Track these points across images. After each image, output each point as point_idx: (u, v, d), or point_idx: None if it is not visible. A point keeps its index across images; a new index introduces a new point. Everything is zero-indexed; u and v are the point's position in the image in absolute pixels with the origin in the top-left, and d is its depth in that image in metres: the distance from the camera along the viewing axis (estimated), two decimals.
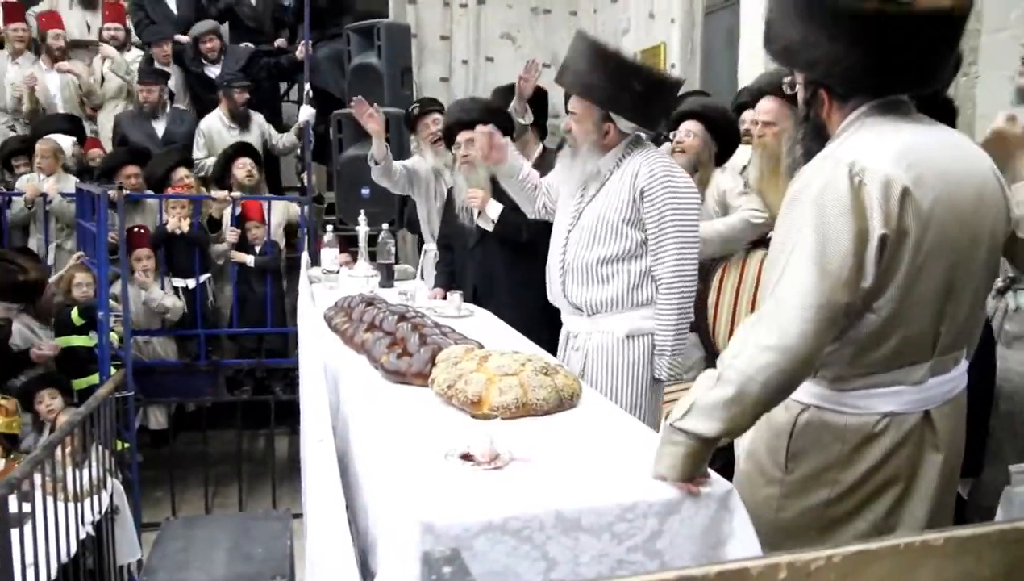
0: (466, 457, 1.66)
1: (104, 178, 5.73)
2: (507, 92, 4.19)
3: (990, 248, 1.67)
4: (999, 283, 2.47)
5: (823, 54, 1.60)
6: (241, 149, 5.92)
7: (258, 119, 6.36)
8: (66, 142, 5.84)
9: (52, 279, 5.27)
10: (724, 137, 3.59)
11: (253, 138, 6.24)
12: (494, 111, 3.69)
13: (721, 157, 3.65)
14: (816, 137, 1.73)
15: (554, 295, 2.89)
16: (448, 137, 3.82)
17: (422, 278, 4.39)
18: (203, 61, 6.61)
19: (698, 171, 3.42)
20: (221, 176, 5.91)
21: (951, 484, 1.77)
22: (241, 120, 6.19)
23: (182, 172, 5.80)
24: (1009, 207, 1.71)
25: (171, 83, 6.51)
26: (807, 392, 1.68)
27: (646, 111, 2.67)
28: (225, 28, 6.96)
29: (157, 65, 6.43)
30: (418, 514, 1.42)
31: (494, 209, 3.58)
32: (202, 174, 6.09)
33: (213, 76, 6.52)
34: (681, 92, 3.17)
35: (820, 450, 1.70)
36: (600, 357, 2.75)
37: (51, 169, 5.67)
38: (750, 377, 1.49)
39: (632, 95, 2.62)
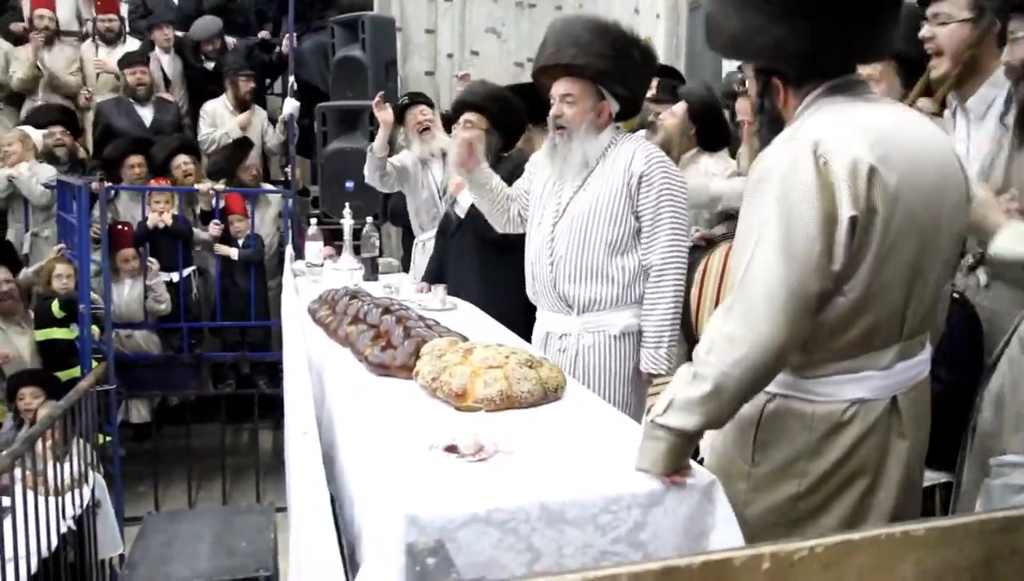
0: (450, 449, 1.65)
1: (106, 169, 5.69)
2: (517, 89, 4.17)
3: (951, 229, 1.66)
4: (968, 260, 2.47)
5: (767, 39, 1.59)
6: (241, 145, 6.00)
7: (261, 114, 6.45)
8: (36, 134, 5.75)
9: (31, 270, 5.23)
10: (704, 120, 3.61)
11: (254, 128, 6.32)
12: (501, 99, 3.65)
13: (710, 143, 3.68)
14: (773, 128, 1.69)
15: (539, 291, 2.82)
16: (456, 114, 3.80)
17: (408, 272, 4.37)
18: (203, 57, 6.67)
19: (670, 152, 3.44)
20: (229, 172, 5.98)
21: (917, 472, 1.76)
22: (244, 108, 6.31)
23: (182, 158, 5.83)
24: (968, 187, 1.71)
25: (169, 70, 6.55)
26: (774, 381, 1.63)
27: (639, 86, 2.71)
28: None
29: (157, 50, 6.47)
30: (402, 506, 1.41)
31: (466, 197, 3.50)
32: (212, 148, 6.16)
33: (210, 68, 6.60)
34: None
35: (787, 440, 1.66)
36: (592, 357, 2.71)
37: (19, 157, 5.58)
38: (725, 372, 1.48)
39: (632, 64, 2.64)
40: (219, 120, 6.30)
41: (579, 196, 2.71)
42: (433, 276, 3.67)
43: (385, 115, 4.17)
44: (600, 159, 2.70)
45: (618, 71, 2.64)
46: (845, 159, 1.48)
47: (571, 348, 2.74)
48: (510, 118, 3.66)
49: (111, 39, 6.45)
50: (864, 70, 2.60)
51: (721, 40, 1.70)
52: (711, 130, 3.69)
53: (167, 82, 6.58)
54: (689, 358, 1.59)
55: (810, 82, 1.65)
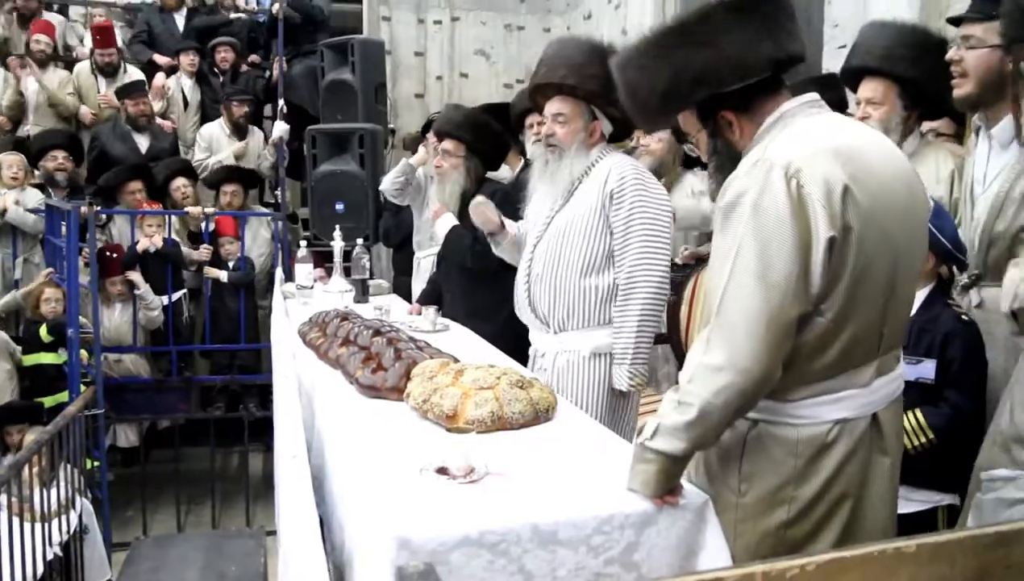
0: (441, 471, 1.65)
1: (104, 195, 5.69)
2: (492, 109, 4.21)
3: (920, 244, 1.68)
4: (964, 279, 2.48)
5: (702, 66, 1.59)
6: (231, 174, 6.04)
7: (258, 137, 6.48)
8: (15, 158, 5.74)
9: (20, 293, 5.21)
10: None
11: (250, 152, 6.38)
12: (478, 125, 3.67)
13: (692, 160, 3.70)
14: (732, 164, 1.64)
15: (520, 307, 2.84)
16: (437, 137, 3.83)
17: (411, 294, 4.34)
18: (216, 71, 6.75)
19: (663, 176, 3.46)
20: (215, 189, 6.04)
21: (895, 487, 1.75)
22: (240, 132, 6.35)
23: (180, 181, 5.87)
24: (928, 202, 1.73)
25: (190, 95, 6.67)
26: (755, 406, 1.61)
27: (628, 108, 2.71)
28: None
29: (182, 75, 6.60)
30: (393, 529, 1.40)
31: (443, 225, 3.52)
32: (204, 175, 6.18)
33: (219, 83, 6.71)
34: None
35: (773, 467, 1.62)
36: (567, 377, 2.71)
37: (21, 183, 5.59)
38: (708, 400, 1.47)
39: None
40: (215, 144, 6.32)
41: (560, 213, 2.73)
42: (429, 298, 3.67)
43: (421, 158, 4.23)
44: (583, 176, 2.71)
45: (610, 93, 2.65)
46: (819, 180, 1.47)
47: (550, 369, 2.75)
48: (488, 142, 3.67)
49: (110, 72, 6.47)
50: (864, 92, 2.64)
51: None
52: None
53: (186, 104, 6.67)
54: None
55: (758, 103, 1.64)
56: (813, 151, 1.51)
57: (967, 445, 2.32)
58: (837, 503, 1.63)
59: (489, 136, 3.67)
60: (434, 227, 3.59)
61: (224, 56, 6.72)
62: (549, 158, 2.75)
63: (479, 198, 2.99)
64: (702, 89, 1.62)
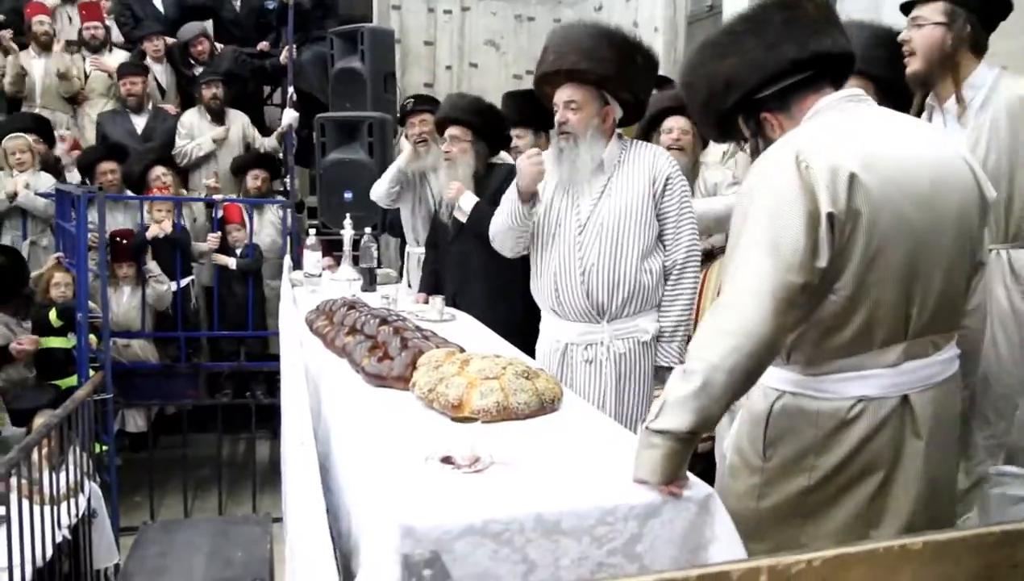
0: (447, 460, 1.65)
1: (82, 174, 5.69)
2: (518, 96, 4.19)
3: (958, 232, 1.68)
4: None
5: (739, 69, 1.72)
6: (256, 160, 6.05)
7: (241, 119, 6.39)
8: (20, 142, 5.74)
9: (31, 276, 5.23)
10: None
11: (233, 136, 6.29)
12: (483, 110, 3.67)
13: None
14: None
15: (565, 302, 2.75)
16: (440, 130, 3.82)
17: (408, 284, 4.36)
18: (192, 62, 6.67)
19: (695, 167, 3.45)
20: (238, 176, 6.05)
21: (939, 472, 1.74)
22: (216, 115, 6.24)
23: (159, 170, 5.79)
24: (982, 190, 1.73)
25: (163, 80, 6.56)
26: (782, 379, 1.72)
27: (643, 91, 2.75)
28: (209, 28, 6.98)
29: (148, 60, 6.47)
30: (398, 517, 1.41)
31: (467, 201, 3.50)
32: (185, 162, 6.15)
33: (197, 73, 6.58)
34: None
35: (796, 436, 1.71)
36: (625, 364, 2.72)
37: (28, 166, 5.61)
38: (715, 366, 1.50)
39: (636, 69, 2.66)
40: (196, 131, 6.23)
41: (603, 203, 2.71)
42: (430, 288, 3.67)
43: (408, 156, 4.20)
44: (617, 165, 2.72)
45: (621, 76, 2.66)
46: (824, 162, 1.56)
47: (599, 357, 2.72)
48: (493, 127, 3.69)
49: (96, 47, 6.46)
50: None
51: (702, 114, 1.87)
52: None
53: (162, 92, 6.60)
54: None
55: (796, 102, 1.73)
56: (827, 138, 1.61)
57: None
58: (860, 476, 1.68)
59: (492, 120, 3.68)
60: (459, 202, 3.56)
61: (201, 48, 6.63)
62: (564, 146, 2.72)
63: (533, 150, 2.85)
64: (733, 93, 1.75)
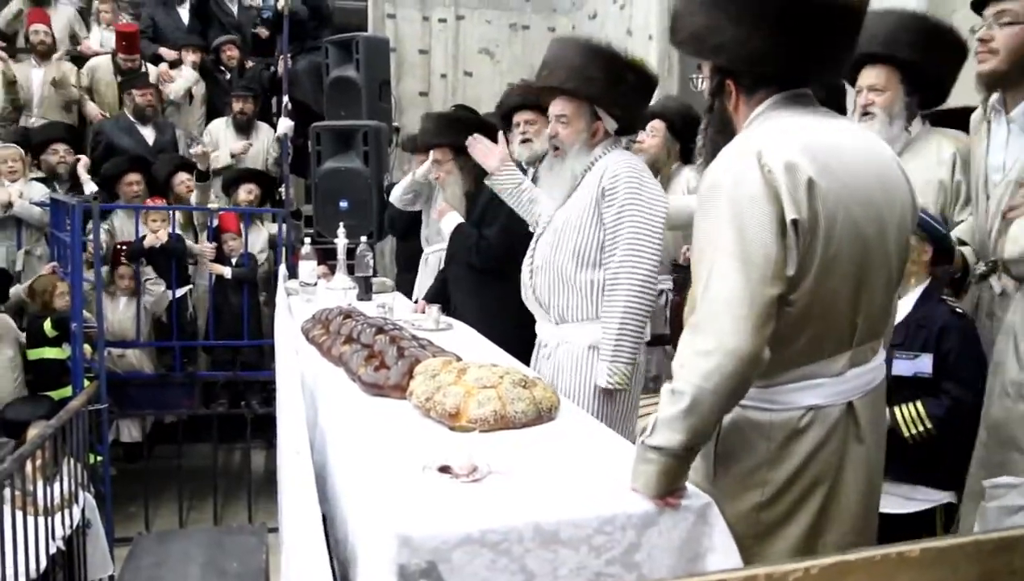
0: (444, 469, 1.65)
1: (105, 187, 5.70)
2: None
3: (898, 238, 1.69)
4: (981, 267, 2.46)
5: (728, 39, 1.63)
6: (246, 176, 6.08)
7: (267, 133, 6.52)
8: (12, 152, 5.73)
9: (21, 287, 5.21)
10: (687, 136, 3.65)
11: (257, 147, 6.42)
12: (459, 127, 3.66)
13: (687, 154, 3.72)
14: (721, 129, 1.75)
15: (525, 296, 2.89)
16: (425, 152, 3.85)
17: (413, 296, 4.32)
18: (222, 68, 6.80)
19: (659, 171, 3.47)
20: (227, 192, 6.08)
21: (876, 475, 1.78)
22: (244, 128, 6.41)
23: (183, 176, 5.86)
24: (914, 197, 1.74)
25: (192, 86, 6.67)
26: None
27: (636, 107, 2.75)
28: None
29: (185, 68, 6.59)
30: (395, 527, 1.41)
31: (448, 224, 3.55)
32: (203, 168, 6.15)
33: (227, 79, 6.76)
34: None
35: (747, 450, 1.68)
36: (566, 368, 2.74)
37: (20, 175, 5.59)
38: (699, 386, 1.49)
39: (626, 88, 2.67)
40: (220, 141, 6.35)
41: (562, 209, 2.77)
42: (436, 295, 3.69)
43: (425, 170, 4.07)
44: (585, 173, 2.74)
45: (610, 94, 2.68)
46: (783, 167, 1.52)
47: (552, 358, 2.79)
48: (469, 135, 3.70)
49: (129, 71, 6.49)
50: (866, 80, 2.64)
51: (683, 35, 1.74)
52: (694, 142, 3.72)
53: (190, 98, 6.70)
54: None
55: (761, 90, 1.69)
56: (783, 144, 1.56)
57: (965, 440, 2.33)
58: (811, 487, 1.66)
59: (467, 130, 3.67)
60: (441, 225, 3.60)
61: (230, 54, 6.76)
62: (554, 157, 2.79)
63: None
64: (720, 55, 1.69)
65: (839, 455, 1.67)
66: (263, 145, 6.49)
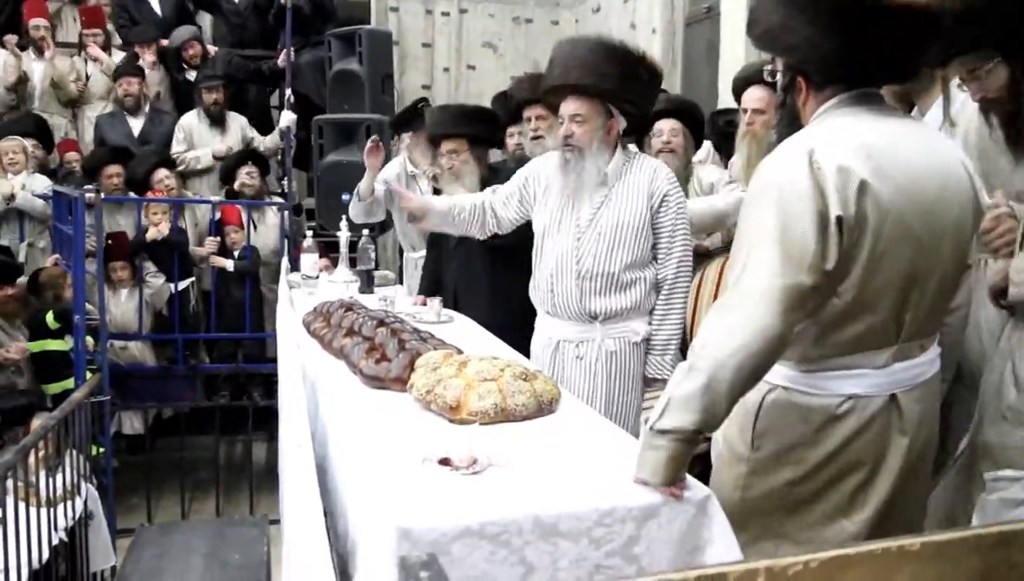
0: (444, 462, 1.65)
1: (86, 177, 5.68)
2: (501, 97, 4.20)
3: (955, 240, 1.70)
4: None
5: (802, 39, 1.65)
6: (246, 156, 5.99)
7: (239, 121, 6.39)
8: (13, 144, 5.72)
9: (22, 280, 5.21)
10: (698, 132, 3.67)
11: (232, 138, 6.28)
12: (474, 117, 3.69)
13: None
14: (791, 124, 1.77)
15: (559, 304, 2.80)
16: (434, 144, 3.82)
17: (408, 290, 4.32)
18: (184, 66, 6.65)
19: (686, 169, 3.47)
20: (227, 179, 5.99)
21: (919, 467, 1.80)
22: (216, 119, 6.24)
23: (162, 173, 5.78)
24: (978, 199, 1.75)
25: (158, 84, 6.56)
26: (775, 373, 1.71)
27: (646, 103, 2.79)
28: (207, 29, 6.97)
29: (144, 64, 6.44)
30: (395, 519, 1.41)
31: None
32: (182, 168, 6.13)
33: (191, 78, 6.57)
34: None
35: (785, 429, 1.73)
36: (615, 362, 2.77)
37: (22, 167, 5.59)
38: (721, 363, 1.50)
39: (639, 84, 2.69)
40: (197, 137, 6.22)
41: (603, 212, 2.76)
42: (430, 290, 3.67)
43: (376, 161, 3.99)
44: (619, 178, 2.76)
45: (625, 90, 2.70)
46: (836, 165, 1.55)
47: (590, 354, 2.78)
48: (486, 127, 3.73)
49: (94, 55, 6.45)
50: None
51: (759, 29, 1.76)
52: (699, 138, 3.75)
53: (157, 96, 6.59)
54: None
55: (830, 88, 1.71)
56: (839, 144, 1.59)
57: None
58: (846, 471, 1.72)
59: (484, 124, 3.71)
60: None
61: (193, 52, 6.59)
62: (569, 157, 2.76)
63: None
64: (793, 54, 1.72)
65: (880, 445, 1.71)
66: (238, 133, 6.32)
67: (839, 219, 1.54)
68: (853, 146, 1.58)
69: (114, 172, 5.65)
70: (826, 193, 1.54)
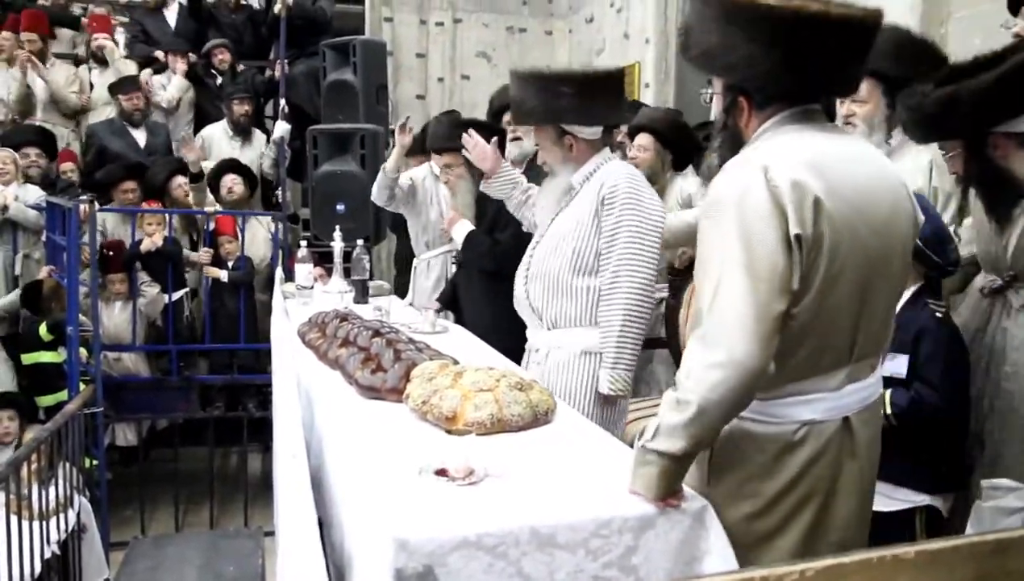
0: (441, 473, 1.65)
1: (100, 193, 5.68)
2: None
3: (902, 257, 1.71)
4: (995, 282, 2.46)
5: (742, 57, 1.62)
6: (229, 166, 5.99)
7: (261, 138, 6.48)
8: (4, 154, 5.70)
9: (14, 293, 5.20)
10: (678, 144, 3.69)
11: (253, 152, 6.36)
12: (459, 125, 3.69)
13: (680, 163, 3.75)
14: (732, 146, 1.74)
15: (518, 302, 2.88)
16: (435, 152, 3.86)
17: (411, 301, 4.30)
18: (214, 72, 6.74)
19: (656, 183, 3.49)
20: (214, 187, 6.01)
21: (868, 492, 1.79)
22: (243, 132, 6.35)
23: (180, 179, 5.84)
24: (917, 218, 1.75)
25: (183, 93, 6.61)
26: None
27: (590, 109, 2.71)
28: None
29: (174, 74, 6.52)
30: (392, 530, 1.41)
31: (459, 232, 3.56)
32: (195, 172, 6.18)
33: (218, 84, 6.68)
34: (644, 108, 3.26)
35: (741, 461, 1.69)
36: (557, 373, 2.73)
37: (12, 178, 5.58)
38: (705, 397, 1.49)
39: (568, 100, 2.67)
40: (215, 147, 6.28)
41: (560, 217, 2.79)
42: (447, 299, 3.71)
43: (403, 139, 4.05)
44: (584, 182, 2.75)
45: (556, 112, 2.71)
46: (790, 184, 1.52)
47: (544, 362, 2.78)
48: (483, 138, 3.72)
49: (102, 59, 6.45)
50: None
51: (695, 51, 1.73)
52: (685, 151, 3.77)
53: (177, 105, 6.63)
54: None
55: (772, 105, 1.69)
56: (791, 160, 1.56)
57: (939, 443, 2.35)
58: (804, 501, 1.67)
59: (481, 130, 3.70)
60: (451, 233, 3.61)
61: (222, 57, 6.69)
62: (548, 172, 2.86)
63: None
64: (733, 73, 1.69)
65: (833, 470, 1.67)
66: (257, 153, 6.41)
67: (798, 237, 1.51)
68: (804, 162, 1.56)
69: (130, 187, 5.69)
70: (786, 211, 1.51)
